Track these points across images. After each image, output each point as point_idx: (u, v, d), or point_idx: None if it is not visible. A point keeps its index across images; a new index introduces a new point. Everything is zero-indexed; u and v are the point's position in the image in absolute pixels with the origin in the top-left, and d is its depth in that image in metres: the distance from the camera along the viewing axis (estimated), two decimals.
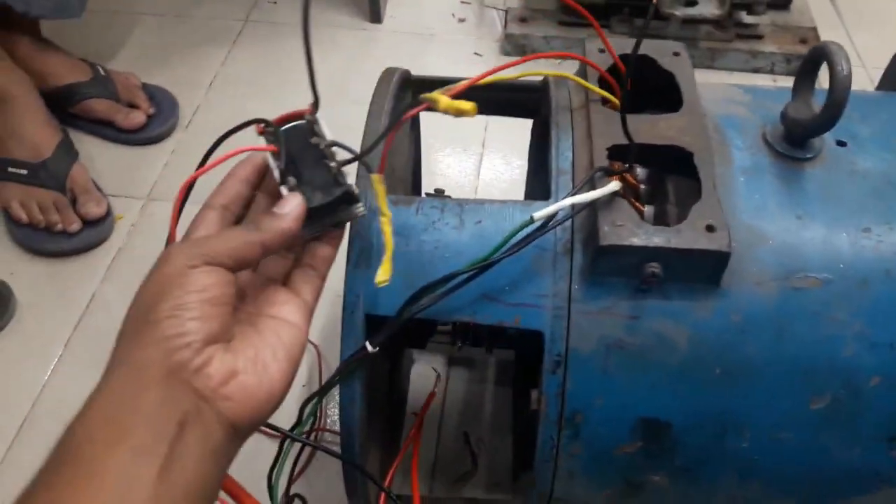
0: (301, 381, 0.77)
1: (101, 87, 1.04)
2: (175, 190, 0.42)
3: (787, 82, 0.51)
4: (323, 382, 0.46)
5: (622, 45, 0.51)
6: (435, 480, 0.73)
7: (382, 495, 0.51)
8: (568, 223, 0.46)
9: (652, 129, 0.48)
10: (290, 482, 0.50)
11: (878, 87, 0.65)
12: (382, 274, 0.42)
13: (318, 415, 0.73)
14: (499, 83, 0.45)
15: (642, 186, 0.51)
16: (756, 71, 1.20)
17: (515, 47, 1.21)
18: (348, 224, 0.44)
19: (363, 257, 0.46)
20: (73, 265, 0.92)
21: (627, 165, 0.47)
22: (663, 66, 0.53)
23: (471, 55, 1.22)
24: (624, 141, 0.46)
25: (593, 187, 0.45)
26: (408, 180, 0.69)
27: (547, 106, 0.54)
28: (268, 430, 0.43)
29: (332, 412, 0.76)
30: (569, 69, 0.53)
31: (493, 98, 0.45)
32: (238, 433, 0.36)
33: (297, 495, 0.47)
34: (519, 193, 0.87)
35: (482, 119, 0.94)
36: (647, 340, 0.44)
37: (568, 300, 0.45)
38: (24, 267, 0.91)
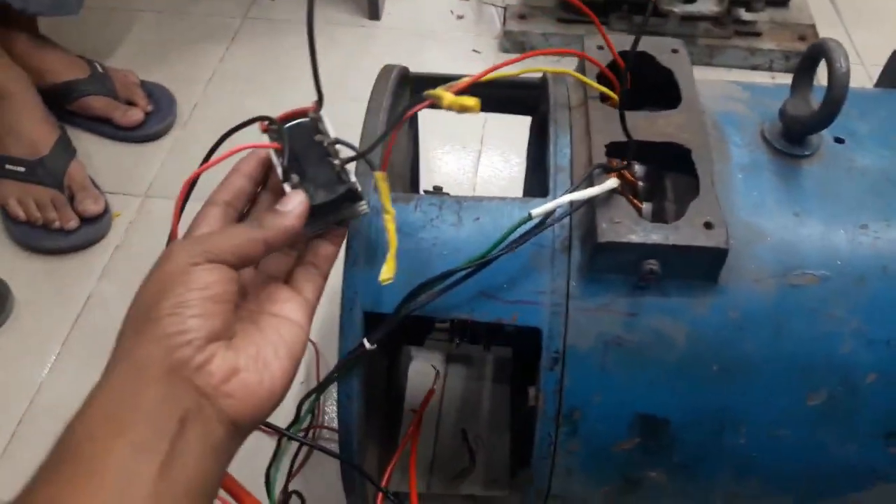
0: (299, 378, 0.77)
1: (98, 84, 1.04)
2: (172, 187, 0.42)
3: (786, 79, 0.51)
4: (321, 379, 0.46)
5: (621, 41, 0.51)
6: (433, 477, 0.73)
7: (380, 494, 0.51)
8: (566, 220, 0.46)
9: (650, 126, 0.48)
10: (289, 479, 0.50)
11: (877, 85, 0.65)
12: (387, 272, 0.42)
13: (316, 412, 0.73)
14: (497, 80, 0.45)
15: (641, 183, 0.51)
16: (754, 68, 1.20)
17: (514, 44, 1.21)
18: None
19: (361, 255, 0.46)
20: (71, 263, 0.92)
21: (626, 162, 0.47)
22: (662, 62, 0.53)
23: (469, 52, 1.22)
24: (622, 138, 0.46)
25: (591, 184, 0.45)
26: (406, 177, 0.69)
27: (545, 103, 0.54)
28: (265, 428, 0.43)
29: (330, 409, 0.76)
30: (568, 67, 0.53)
31: (491, 95, 0.44)
32: (239, 431, 0.36)
33: (295, 492, 0.47)
34: (517, 191, 0.87)
35: (480, 116, 0.94)
36: (645, 337, 0.44)
37: (566, 297, 0.45)
38: (21, 264, 0.91)
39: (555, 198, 0.44)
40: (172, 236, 0.42)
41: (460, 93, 0.42)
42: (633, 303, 0.44)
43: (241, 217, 0.43)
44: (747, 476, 0.47)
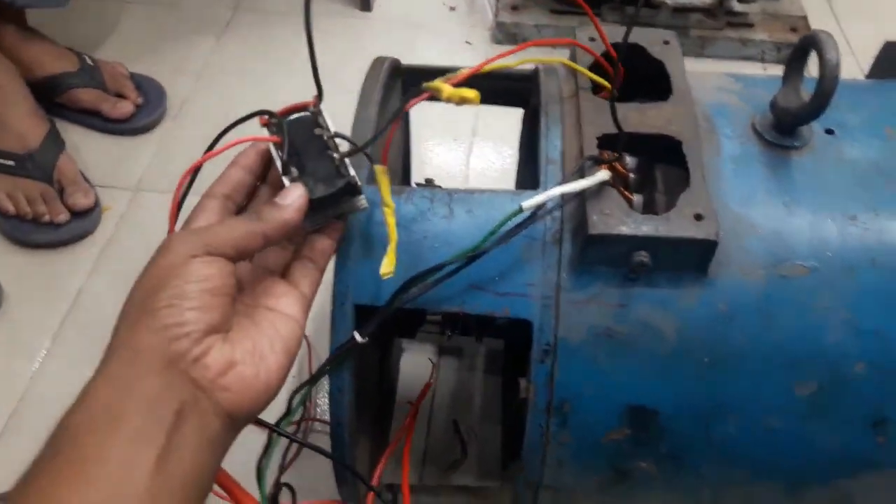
0: (291, 371, 0.77)
1: (88, 76, 1.03)
2: (163, 181, 0.42)
3: (778, 70, 0.51)
4: (312, 372, 0.46)
5: (612, 33, 0.51)
6: (425, 469, 0.74)
7: (370, 495, 0.51)
8: (557, 212, 0.46)
9: (641, 117, 0.48)
10: (281, 472, 0.50)
11: (868, 76, 0.65)
12: (387, 265, 0.42)
13: (308, 404, 0.73)
14: (490, 72, 0.45)
15: (632, 175, 0.51)
16: (746, 59, 1.20)
17: (507, 36, 1.21)
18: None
19: (353, 248, 0.46)
20: (61, 257, 0.91)
21: (617, 154, 0.47)
22: (653, 54, 0.53)
23: (462, 44, 1.22)
24: (614, 130, 0.46)
25: (582, 176, 0.45)
26: (397, 170, 0.69)
27: (537, 95, 0.54)
28: (256, 423, 0.43)
29: (322, 401, 0.76)
30: (562, 59, 0.53)
31: (483, 87, 0.44)
32: (234, 424, 0.36)
33: (286, 485, 0.47)
34: (510, 183, 0.86)
35: (472, 108, 0.93)
36: (635, 329, 0.44)
37: (557, 289, 0.45)
38: (10, 259, 0.91)
39: (546, 190, 0.44)
40: (170, 228, 0.42)
41: (459, 85, 0.42)
42: (623, 294, 0.44)
43: (240, 210, 0.43)
44: (736, 466, 0.47)
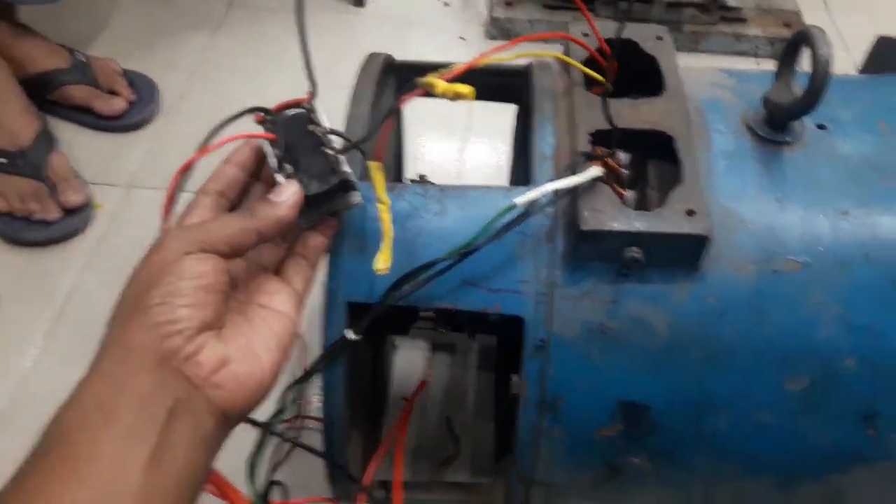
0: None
1: (80, 73, 1.02)
2: (156, 178, 0.42)
3: (771, 65, 0.51)
4: (306, 369, 0.46)
5: (605, 28, 0.51)
6: (418, 465, 0.74)
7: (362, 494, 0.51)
8: (550, 209, 0.46)
9: (634, 113, 0.48)
10: (273, 469, 0.50)
11: (861, 71, 0.65)
12: (382, 262, 0.42)
13: (301, 401, 0.73)
14: (484, 68, 0.45)
15: (625, 171, 0.51)
16: (740, 54, 1.20)
17: (501, 31, 1.21)
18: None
19: (346, 245, 0.46)
20: (53, 254, 0.91)
21: (609, 150, 0.46)
22: (646, 50, 0.53)
23: (456, 39, 1.22)
24: (607, 126, 0.46)
25: (575, 173, 0.45)
26: (390, 167, 0.69)
27: (530, 91, 0.53)
28: (247, 422, 0.43)
29: (315, 398, 0.76)
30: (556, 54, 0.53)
31: (477, 83, 0.44)
32: (228, 421, 0.36)
33: (278, 482, 0.47)
34: (504, 178, 0.86)
35: (466, 103, 0.93)
36: (627, 325, 0.44)
37: (549, 286, 0.45)
38: (2, 257, 0.90)
39: (538, 186, 0.44)
40: (163, 226, 0.42)
41: (453, 80, 0.42)
42: (615, 290, 0.44)
43: (233, 208, 0.43)
44: (728, 460, 0.47)
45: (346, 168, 0.42)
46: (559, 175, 0.46)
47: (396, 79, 0.60)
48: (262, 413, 0.42)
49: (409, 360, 0.80)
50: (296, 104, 0.44)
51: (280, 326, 0.40)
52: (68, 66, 1.02)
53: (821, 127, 0.50)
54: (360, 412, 0.62)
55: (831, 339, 0.44)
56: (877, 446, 0.46)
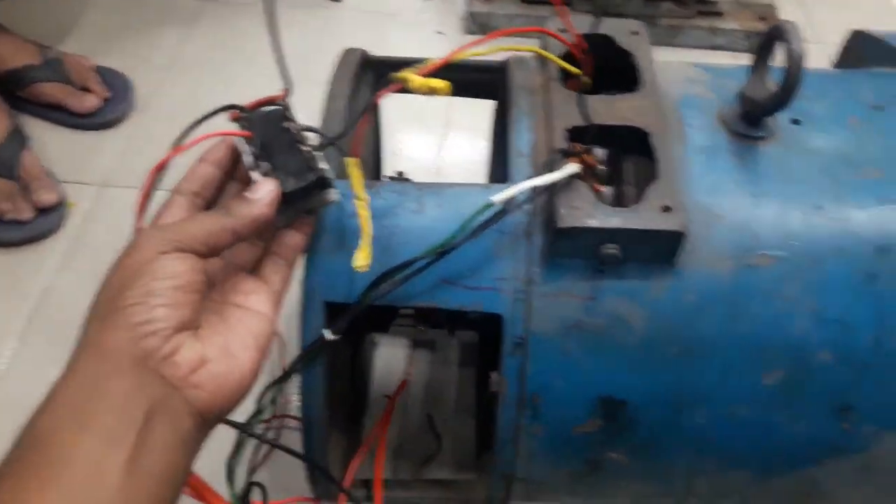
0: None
1: (51, 70, 1.00)
2: (130, 176, 0.42)
3: (747, 59, 0.51)
4: (285, 368, 0.45)
5: (582, 23, 0.51)
6: (399, 463, 0.74)
7: (342, 495, 0.51)
8: (527, 206, 0.46)
9: (610, 109, 0.48)
10: (252, 470, 0.50)
11: (835, 66, 0.66)
12: (362, 259, 0.42)
13: (280, 401, 0.72)
14: (460, 64, 0.45)
15: (601, 167, 0.51)
16: (716, 48, 1.20)
17: (479, 26, 1.20)
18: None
19: (322, 243, 0.46)
20: (26, 255, 0.89)
21: (586, 147, 0.46)
22: (622, 45, 0.53)
23: (434, 34, 1.21)
24: (583, 122, 0.46)
25: (552, 170, 0.45)
26: (368, 164, 0.69)
27: (507, 87, 0.53)
28: (225, 423, 0.43)
29: (295, 397, 0.75)
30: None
31: (454, 79, 0.44)
32: (206, 422, 0.36)
33: (257, 484, 0.47)
34: (483, 174, 0.86)
35: (444, 99, 0.93)
36: (604, 321, 0.44)
37: (527, 283, 0.45)
38: None
39: (516, 184, 0.44)
40: (137, 227, 0.41)
41: (428, 75, 0.42)
42: (593, 287, 0.45)
43: (209, 207, 0.42)
44: (706, 454, 0.48)
45: (323, 165, 0.42)
46: (536, 172, 0.46)
47: (373, 74, 0.59)
48: (241, 414, 0.42)
49: (390, 357, 0.80)
50: (270, 101, 0.44)
51: (258, 326, 0.40)
52: (39, 63, 1.00)
53: (795, 122, 0.51)
54: (340, 411, 0.62)
55: (806, 333, 0.44)
56: (851, 438, 0.47)
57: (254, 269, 0.43)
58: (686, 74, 0.55)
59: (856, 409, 0.46)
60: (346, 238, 0.45)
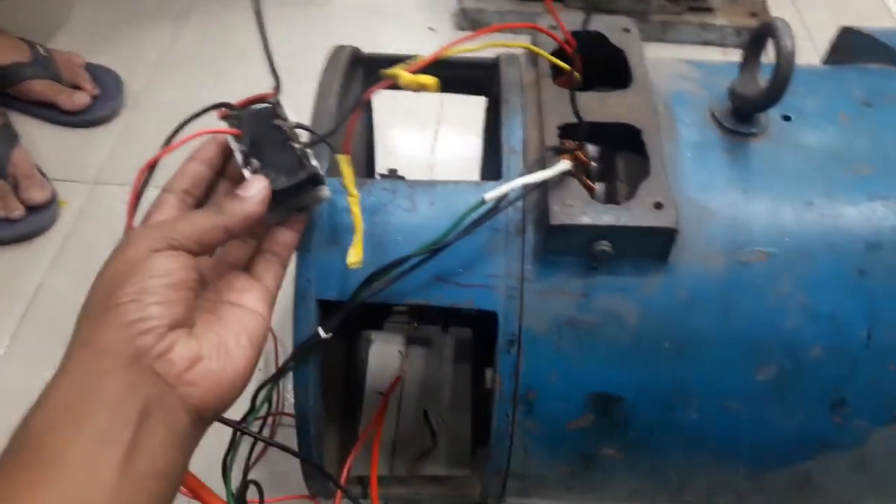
0: (257, 365, 0.76)
1: (41, 67, 1.00)
2: (122, 173, 0.42)
3: (738, 55, 0.51)
4: (279, 366, 0.45)
5: (573, 20, 0.51)
6: (395, 459, 0.74)
7: (339, 492, 0.51)
8: (520, 203, 0.46)
9: (601, 106, 0.49)
10: (248, 468, 0.50)
11: (825, 62, 0.66)
12: (354, 255, 0.42)
13: (276, 398, 0.73)
14: (452, 60, 0.45)
15: (593, 164, 0.51)
16: (707, 44, 1.21)
17: (470, 22, 1.20)
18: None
19: (315, 241, 0.46)
20: (18, 253, 0.89)
21: (578, 144, 0.47)
22: (613, 42, 0.53)
23: (425, 30, 1.21)
24: (575, 119, 0.46)
25: (544, 167, 0.45)
26: (360, 161, 0.69)
27: (498, 85, 0.53)
28: (220, 421, 0.43)
29: (291, 394, 0.75)
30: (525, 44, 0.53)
31: (445, 76, 0.44)
32: (202, 419, 0.36)
33: (253, 482, 0.47)
34: (475, 170, 0.86)
35: (437, 96, 0.93)
36: (598, 318, 0.45)
37: (520, 280, 0.45)
38: None
39: (508, 181, 0.44)
40: (128, 226, 0.41)
41: (418, 72, 0.42)
42: (586, 284, 0.45)
43: (199, 206, 0.42)
44: (699, 449, 0.48)
45: (314, 162, 0.42)
46: (528, 169, 0.46)
47: (364, 72, 0.59)
48: (236, 411, 0.42)
49: (385, 354, 0.80)
50: (260, 99, 0.44)
51: (252, 323, 0.40)
52: (29, 61, 0.99)
53: (786, 118, 0.51)
54: (335, 408, 0.62)
55: (798, 328, 0.45)
56: (843, 433, 0.47)
57: (247, 268, 0.43)
58: (677, 71, 0.55)
59: (848, 404, 0.46)
60: (339, 235, 0.45)
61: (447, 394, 0.79)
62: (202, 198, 0.43)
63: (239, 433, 0.45)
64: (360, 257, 0.42)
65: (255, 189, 0.40)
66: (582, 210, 0.43)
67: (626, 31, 0.54)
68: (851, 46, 0.63)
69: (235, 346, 0.38)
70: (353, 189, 0.43)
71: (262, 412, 0.46)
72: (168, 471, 0.34)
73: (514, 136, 0.49)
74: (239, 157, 0.41)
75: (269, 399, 0.47)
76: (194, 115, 0.43)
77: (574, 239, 0.43)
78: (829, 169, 0.48)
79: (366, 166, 0.72)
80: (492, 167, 0.63)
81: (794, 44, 0.45)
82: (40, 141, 0.99)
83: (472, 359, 0.80)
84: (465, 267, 0.45)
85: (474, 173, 0.89)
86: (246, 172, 0.41)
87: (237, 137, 0.42)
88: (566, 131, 0.47)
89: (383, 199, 0.47)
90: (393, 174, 0.67)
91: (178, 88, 1.07)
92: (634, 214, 0.43)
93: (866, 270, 0.45)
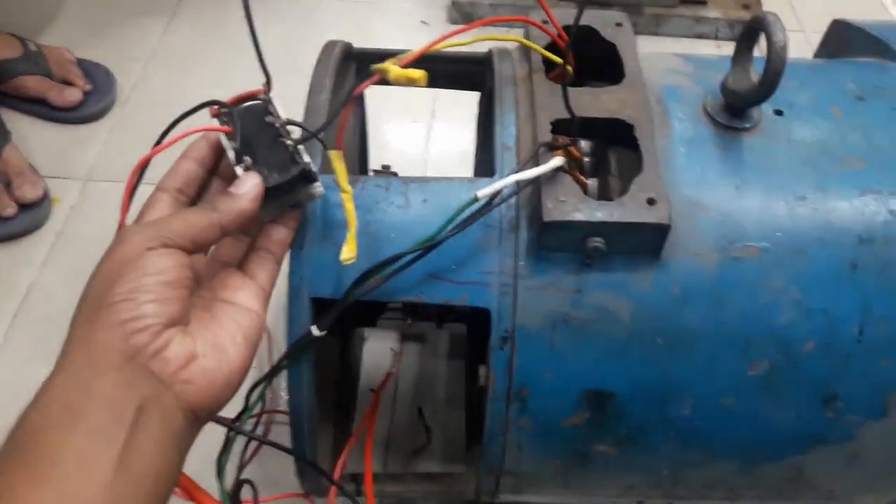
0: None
1: (32, 63, 0.99)
2: (115, 170, 0.41)
3: (731, 48, 0.51)
4: (271, 365, 0.45)
5: (566, 15, 0.51)
6: (389, 456, 0.74)
7: (333, 488, 0.51)
8: (513, 200, 0.46)
9: (594, 101, 0.48)
10: (242, 467, 0.50)
11: (817, 55, 0.66)
12: (348, 251, 0.42)
13: (270, 396, 0.72)
14: (444, 55, 0.45)
15: (586, 159, 0.51)
16: (700, 37, 1.21)
17: (463, 15, 1.20)
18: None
19: (308, 239, 0.46)
20: (10, 251, 0.89)
21: (571, 140, 0.46)
22: (606, 37, 0.53)
23: (418, 23, 1.21)
24: (567, 114, 0.46)
25: (537, 163, 0.45)
26: (353, 157, 0.68)
27: (491, 79, 0.53)
28: (214, 420, 0.43)
29: (285, 392, 0.75)
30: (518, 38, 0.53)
31: (438, 70, 0.44)
32: (198, 418, 0.36)
33: (247, 480, 0.47)
34: (469, 165, 0.86)
35: (430, 91, 0.93)
36: (591, 314, 0.45)
37: (514, 277, 0.45)
38: None
39: (501, 178, 0.44)
40: (121, 225, 0.41)
41: (408, 66, 0.42)
42: (579, 280, 0.45)
43: (192, 203, 0.42)
44: (692, 445, 0.48)
45: (306, 158, 0.42)
46: (521, 166, 0.46)
47: (356, 67, 0.59)
48: (230, 410, 0.42)
49: (379, 351, 0.80)
50: (252, 96, 0.43)
51: (246, 321, 0.40)
52: (20, 56, 0.99)
53: (778, 113, 0.51)
54: (329, 406, 0.62)
55: (790, 323, 0.45)
56: (835, 427, 0.47)
57: (241, 265, 0.43)
58: (670, 66, 0.55)
59: (840, 399, 0.46)
60: (332, 232, 0.45)
61: (441, 390, 0.79)
62: (195, 196, 0.43)
63: (233, 432, 0.45)
64: (354, 253, 0.42)
65: (248, 186, 0.40)
66: (575, 206, 0.43)
67: (619, 25, 0.54)
68: (843, 39, 0.63)
69: (230, 343, 0.38)
70: (345, 185, 0.43)
71: (256, 410, 0.46)
72: (163, 469, 0.34)
73: (506, 132, 0.49)
74: (231, 154, 0.41)
75: (262, 397, 0.46)
76: (185, 114, 0.43)
77: (567, 235, 0.43)
78: (821, 163, 0.48)
79: (359, 162, 0.72)
80: (485, 162, 0.63)
81: (785, 38, 0.45)
82: (32, 138, 0.99)
83: (466, 355, 0.80)
84: (458, 264, 0.45)
85: (468, 168, 0.88)
86: (238, 170, 0.41)
87: (228, 135, 0.41)
88: (559, 127, 0.47)
89: (377, 195, 0.47)
90: (386, 170, 0.67)
91: (171, 83, 1.07)
92: (627, 210, 0.43)
93: (859, 265, 0.45)
